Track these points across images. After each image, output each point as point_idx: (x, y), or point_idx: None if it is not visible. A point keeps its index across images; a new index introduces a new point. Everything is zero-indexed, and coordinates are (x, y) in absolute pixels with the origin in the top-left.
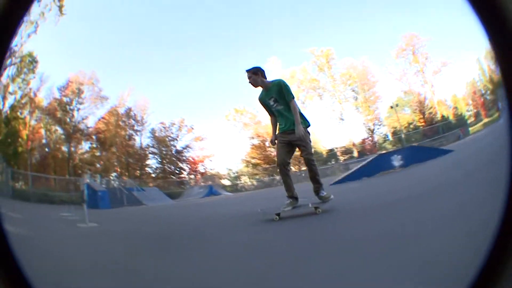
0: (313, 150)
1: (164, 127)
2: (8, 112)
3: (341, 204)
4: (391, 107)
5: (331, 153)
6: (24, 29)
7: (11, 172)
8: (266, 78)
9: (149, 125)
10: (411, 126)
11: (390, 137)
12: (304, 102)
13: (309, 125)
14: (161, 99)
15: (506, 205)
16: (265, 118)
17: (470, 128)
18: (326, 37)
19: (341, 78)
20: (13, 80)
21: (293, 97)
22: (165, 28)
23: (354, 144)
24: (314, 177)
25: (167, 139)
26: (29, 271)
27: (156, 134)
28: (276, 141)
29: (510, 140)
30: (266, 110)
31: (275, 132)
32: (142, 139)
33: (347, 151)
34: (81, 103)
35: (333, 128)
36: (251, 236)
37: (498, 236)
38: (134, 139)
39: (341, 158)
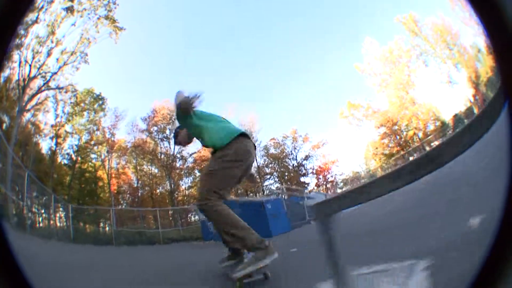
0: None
1: (276, 143)
2: (73, 154)
3: None
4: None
5: (457, 118)
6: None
7: (72, 209)
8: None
9: (259, 143)
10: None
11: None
12: (409, 77)
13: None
14: (265, 113)
15: (506, 205)
16: (381, 104)
17: None
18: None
19: (433, 38)
20: (69, 120)
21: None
22: (250, 34)
23: (471, 102)
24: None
25: (281, 156)
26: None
27: (270, 152)
28: None
29: (510, 140)
30: None
31: None
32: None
33: (468, 111)
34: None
35: (446, 94)
36: None
37: (498, 236)
38: None
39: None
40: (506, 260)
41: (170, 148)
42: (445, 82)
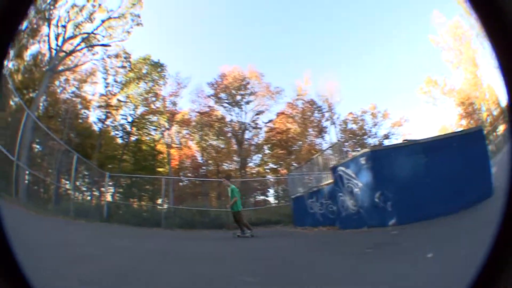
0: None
1: (354, 118)
2: (127, 126)
3: None
4: None
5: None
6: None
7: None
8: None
9: (338, 116)
10: None
11: None
12: (474, 56)
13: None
14: (344, 85)
15: (506, 205)
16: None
17: None
18: None
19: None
20: (122, 89)
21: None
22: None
23: None
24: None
25: (360, 132)
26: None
27: (348, 127)
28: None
29: (511, 140)
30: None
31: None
32: (331, 136)
33: None
34: (249, 94)
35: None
36: None
37: (498, 236)
38: (322, 137)
39: None
40: (506, 260)
41: (241, 116)
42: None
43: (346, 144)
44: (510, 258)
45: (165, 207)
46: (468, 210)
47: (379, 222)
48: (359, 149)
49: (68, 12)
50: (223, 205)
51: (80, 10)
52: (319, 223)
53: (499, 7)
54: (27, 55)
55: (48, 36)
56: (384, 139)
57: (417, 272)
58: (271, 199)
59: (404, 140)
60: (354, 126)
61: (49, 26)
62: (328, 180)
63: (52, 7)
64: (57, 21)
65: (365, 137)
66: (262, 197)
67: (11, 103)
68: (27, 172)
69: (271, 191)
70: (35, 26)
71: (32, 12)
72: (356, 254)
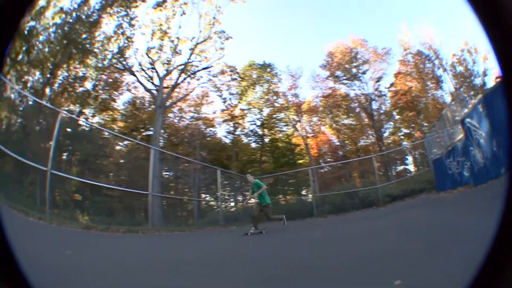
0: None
1: (458, 59)
2: (257, 129)
3: None
4: None
5: None
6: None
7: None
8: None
9: (446, 61)
10: None
11: None
12: None
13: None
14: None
15: (506, 205)
16: None
17: None
18: None
19: None
20: (241, 99)
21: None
22: None
23: None
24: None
25: (467, 75)
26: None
27: (457, 71)
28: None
29: (510, 139)
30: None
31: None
32: (448, 84)
33: None
34: (363, 63)
35: None
36: None
37: (498, 236)
38: (441, 88)
39: None
40: (506, 260)
41: (363, 87)
42: None
43: (461, 90)
44: (510, 258)
45: (312, 196)
46: None
47: (497, 173)
48: (471, 93)
49: (148, 55)
50: (367, 183)
51: (160, 50)
52: (458, 183)
53: (499, 7)
54: (117, 105)
55: (139, 81)
56: (483, 77)
57: None
58: (411, 167)
59: (496, 78)
60: (461, 68)
61: (132, 74)
62: (459, 135)
63: (122, 59)
64: (140, 66)
65: (472, 78)
66: (401, 167)
67: (117, 148)
68: (162, 198)
69: (409, 158)
70: (110, 80)
71: (91, 72)
72: (483, 211)
